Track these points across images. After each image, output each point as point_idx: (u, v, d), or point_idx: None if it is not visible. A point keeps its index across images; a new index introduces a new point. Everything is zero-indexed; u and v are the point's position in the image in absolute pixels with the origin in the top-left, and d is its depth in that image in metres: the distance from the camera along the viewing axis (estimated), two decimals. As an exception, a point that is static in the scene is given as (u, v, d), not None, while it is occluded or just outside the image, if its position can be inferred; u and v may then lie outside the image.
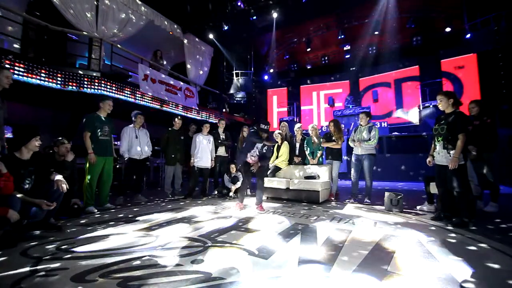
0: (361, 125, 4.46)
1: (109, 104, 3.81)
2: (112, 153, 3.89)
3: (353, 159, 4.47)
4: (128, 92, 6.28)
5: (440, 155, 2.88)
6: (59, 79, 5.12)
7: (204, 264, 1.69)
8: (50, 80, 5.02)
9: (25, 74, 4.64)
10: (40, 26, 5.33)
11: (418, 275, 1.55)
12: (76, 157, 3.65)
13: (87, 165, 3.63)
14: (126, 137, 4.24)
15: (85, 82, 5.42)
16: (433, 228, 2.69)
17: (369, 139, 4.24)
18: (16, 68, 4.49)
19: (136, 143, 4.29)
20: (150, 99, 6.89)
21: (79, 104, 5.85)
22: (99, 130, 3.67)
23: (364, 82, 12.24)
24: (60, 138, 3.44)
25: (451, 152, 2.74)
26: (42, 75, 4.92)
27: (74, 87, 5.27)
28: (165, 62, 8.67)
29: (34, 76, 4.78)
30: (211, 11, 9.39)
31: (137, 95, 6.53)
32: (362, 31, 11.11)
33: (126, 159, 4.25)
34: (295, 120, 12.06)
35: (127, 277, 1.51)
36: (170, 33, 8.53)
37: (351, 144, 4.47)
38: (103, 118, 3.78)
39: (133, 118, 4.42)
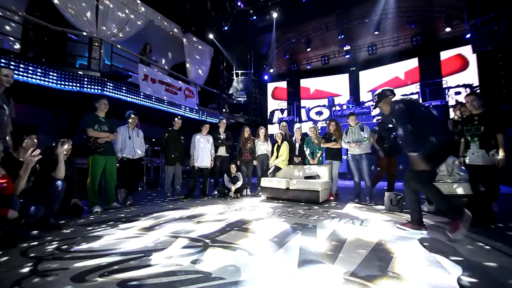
0: (351, 126, 4.52)
1: (104, 103, 3.84)
2: (113, 152, 3.92)
3: (350, 159, 4.49)
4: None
5: (475, 155, 2.81)
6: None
7: (204, 264, 1.69)
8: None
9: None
10: (40, 26, 5.33)
11: (417, 275, 1.55)
12: (76, 157, 3.64)
13: (90, 165, 3.64)
14: (119, 137, 4.16)
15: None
16: (433, 228, 2.69)
17: (365, 139, 4.30)
18: (14, 66, 4.52)
19: (129, 144, 4.23)
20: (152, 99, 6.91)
21: (79, 104, 5.84)
22: (98, 130, 3.70)
23: (364, 82, 12.23)
24: (62, 140, 3.40)
25: (490, 152, 2.68)
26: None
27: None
28: (164, 61, 8.67)
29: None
30: (211, 11, 9.38)
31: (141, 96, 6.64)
32: (362, 31, 11.11)
33: (119, 158, 4.22)
34: (295, 120, 12.06)
35: (127, 277, 1.50)
36: (170, 33, 8.53)
37: (345, 146, 4.52)
38: (102, 118, 3.80)
39: (127, 119, 4.37)
